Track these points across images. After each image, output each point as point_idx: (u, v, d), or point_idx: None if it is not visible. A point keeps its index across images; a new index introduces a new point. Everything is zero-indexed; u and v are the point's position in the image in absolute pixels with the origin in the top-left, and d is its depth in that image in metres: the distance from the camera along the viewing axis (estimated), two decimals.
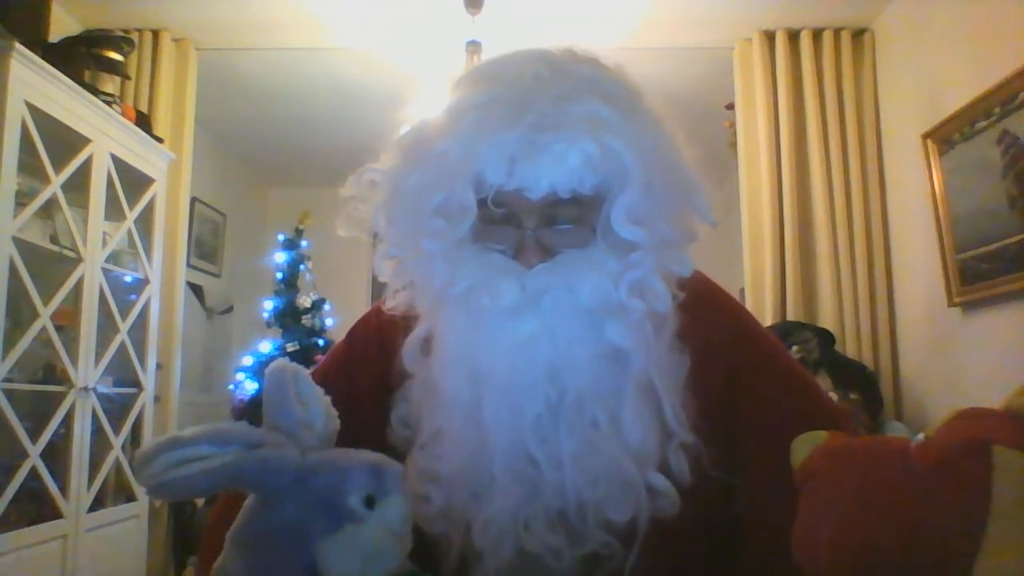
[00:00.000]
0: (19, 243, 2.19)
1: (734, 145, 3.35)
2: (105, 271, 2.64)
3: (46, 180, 2.33)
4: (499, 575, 0.80)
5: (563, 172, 0.76)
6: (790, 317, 3.05)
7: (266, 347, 4.04)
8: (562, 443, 0.79)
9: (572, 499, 0.79)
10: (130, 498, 2.78)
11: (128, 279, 2.87)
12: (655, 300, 0.81)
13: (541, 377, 0.79)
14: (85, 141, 2.49)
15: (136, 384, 2.85)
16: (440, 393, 0.84)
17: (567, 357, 0.79)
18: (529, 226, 0.80)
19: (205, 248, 4.59)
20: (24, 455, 2.21)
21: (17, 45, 2.13)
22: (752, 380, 0.91)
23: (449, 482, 0.82)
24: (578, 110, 0.77)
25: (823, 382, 2.58)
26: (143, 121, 2.91)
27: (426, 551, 0.84)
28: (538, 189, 0.77)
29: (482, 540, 0.80)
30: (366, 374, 0.96)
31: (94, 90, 2.55)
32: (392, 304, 0.90)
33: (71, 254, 2.46)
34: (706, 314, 0.90)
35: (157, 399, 3.01)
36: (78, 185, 2.50)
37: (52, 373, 2.44)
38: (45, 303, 2.30)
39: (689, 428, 0.82)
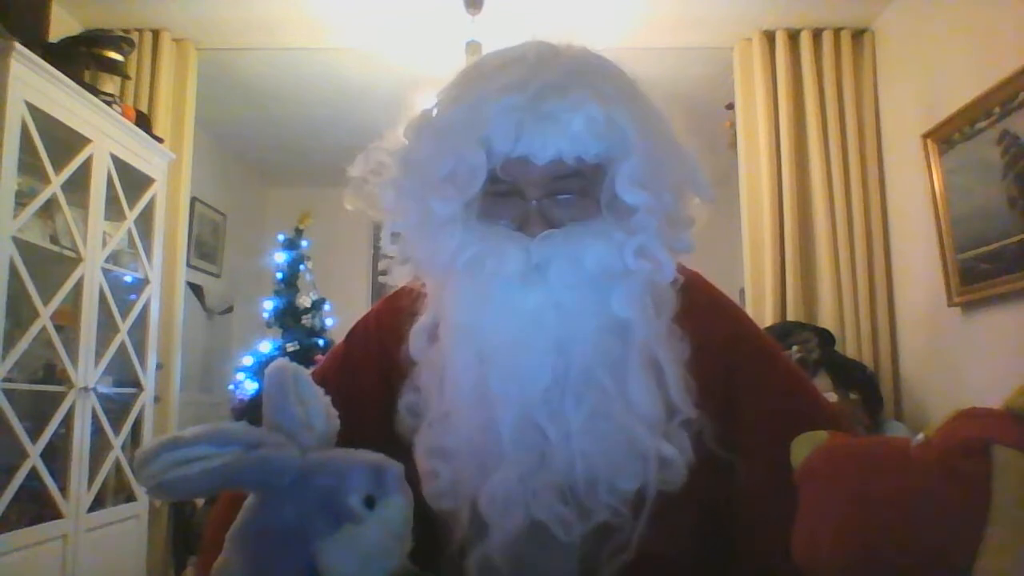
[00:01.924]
0: (19, 243, 2.19)
1: (734, 145, 3.35)
2: (105, 271, 2.64)
3: (46, 180, 2.33)
4: (506, 546, 0.80)
5: (568, 138, 0.78)
6: (790, 317, 3.05)
7: (266, 347, 4.04)
8: (570, 414, 0.80)
9: (580, 471, 0.79)
10: (130, 498, 2.78)
11: (128, 279, 2.87)
12: (658, 266, 0.82)
13: (548, 349, 0.80)
14: (85, 141, 2.49)
15: (136, 384, 2.85)
16: (448, 372, 0.84)
17: (573, 329, 0.80)
18: (533, 196, 0.82)
19: (205, 248, 4.59)
20: (24, 455, 2.21)
21: (17, 45, 2.13)
22: (751, 380, 0.91)
23: (457, 457, 0.82)
24: (582, 81, 0.80)
25: (823, 382, 2.58)
26: (143, 121, 2.90)
27: (435, 528, 0.84)
28: (544, 155, 0.78)
29: (490, 510, 0.80)
30: (366, 374, 0.96)
31: (94, 90, 2.55)
32: (397, 277, 0.91)
33: (71, 254, 2.46)
34: (705, 314, 0.91)
35: (157, 399, 3.01)
36: (78, 185, 2.49)
37: (52, 373, 2.44)
38: (45, 303, 2.30)
39: (691, 404, 0.83)
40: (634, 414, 0.80)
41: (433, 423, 0.85)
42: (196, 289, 4.43)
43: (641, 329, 0.81)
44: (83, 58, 2.61)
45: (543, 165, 0.79)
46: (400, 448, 0.85)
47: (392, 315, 0.94)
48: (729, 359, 0.91)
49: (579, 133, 0.78)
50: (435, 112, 0.86)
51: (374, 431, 0.88)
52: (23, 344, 2.21)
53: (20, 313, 2.26)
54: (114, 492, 2.75)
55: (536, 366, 0.80)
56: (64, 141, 2.42)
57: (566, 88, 0.78)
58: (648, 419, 0.81)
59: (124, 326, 2.73)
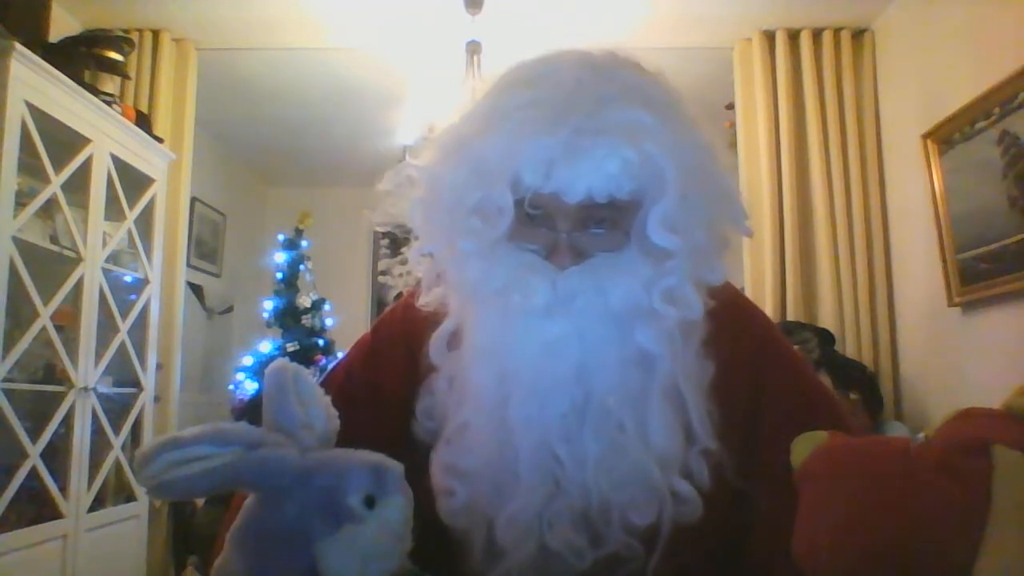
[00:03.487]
0: (19, 243, 2.19)
1: (734, 145, 3.35)
2: (105, 271, 2.63)
3: (46, 180, 2.32)
4: (520, 572, 0.81)
5: (601, 177, 0.76)
6: (790, 317, 3.05)
7: (266, 347, 4.04)
8: (587, 444, 0.80)
9: (595, 500, 0.79)
10: (130, 498, 2.78)
11: (128, 279, 2.87)
12: (686, 308, 0.81)
13: (569, 377, 0.79)
14: (85, 141, 2.49)
15: (136, 384, 2.84)
16: (467, 389, 0.84)
17: (595, 359, 0.80)
18: (563, 228, 0.81)
19: (205, 248, 4.59)
20: (24, 455, 2.21)
21: (17, 45, 2.13)
22: (776, 393, 0.91)
23: (474, 477, 0.82)
24: (619, 116, 0.77)
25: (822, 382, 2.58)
26: (143, 121, 2.90)
27: (445, 546, 0.84)
28: (575, 193, 0.77)
29: (505, 536, 0.80)
30: (391, 366, 0.96)
31: (94, 90, 2.55)
32: (425, 300, 0.91)
33: (71, 254, 2.46)
34: (732, 323, 0.90)
35: (157, 399, 3.01)
36: (78, 185, 2.49)
37: (52, 373, 2.44)
38: (45, 303, 2.30)
39: (713, 435, 0.82)
40: (651, 452, 0.80)
41: (451, 439, 0.85)
42: (196, 289, 4.43)
43: (666, 362, 0.81)
44: (83, 58, 2.62)
45: (574, 202, 0.78)
46: (417, 447, 0.86)
47: (418, 311, 0.93)
48: (756, 369, 0.91)
49: (613, 173, 0.76)
50: (466, 129, 0.84)
51: (396, 427, 0.89)
52: (23, 344, 2.21)
53: (20, 313, 2.26)
54: (114, 492, 2.75)
55: (555, 391, 0.79)
56: (64, 141, 2.42)
57: (602, 123, 0.76)
58: (665, 456, 0.80)
59: (124, 326, 2.73)
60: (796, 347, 2.60)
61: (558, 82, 0.80)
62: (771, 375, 0.92)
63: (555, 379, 0.79)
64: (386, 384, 0.95)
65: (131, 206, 2.80)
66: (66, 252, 2.45)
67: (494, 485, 0.81)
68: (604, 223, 0.81)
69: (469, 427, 0.84)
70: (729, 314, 0.89)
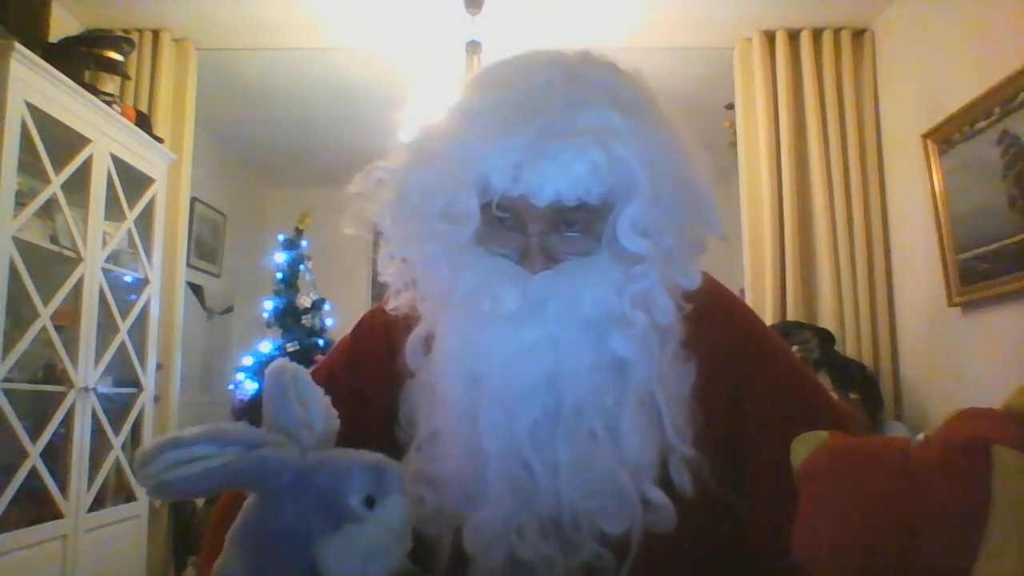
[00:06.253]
0: (19, 243, 2.19)
1: (734, 145, 3.35)
2: (105, 271, 2.64)
3: (46, 180, 2.33)
4: None
5: (569, 180, 0.75)
6: (790, 317, 3.05)
7: (266, 347, 4.04)
8: (558, 451, 0.79)
9: (566, 508, 0.78)
10: (130, 498, 2.78)
11: (128, 279, 2.87)
12: (658, 313, 0.80)
13: (539, 385, 0.78)
14: (85, 141, 2.49)
15: (136, 384, 2.84)
16: (438, 394, 0.83)
17: (567, 366, 0.78)
18: (534, 231, 0.80)
19: (205, 248, 4.59)
20: (24, 455, 2.21)
21: (17, 45, 2.13)
22: (758, 381, 0.90)
23: (442, 485, 0.81)
24: (588, 118, 0.76)
25: (823, 382, 2.58)
26: (143, 121, 2.90)
27: (419, 552, 0.84)
28: (543, 196, 0.76)
29: (474, 544, 0.79)
30: (373, 370, 0.95)
31: (94, 90, 2.55)
32: (394, 304, 0.90)
33: (71, 254, 2.46)
34: (712, 317, 0.89)
35: (157, 399, 3.01)
36: (78, 185, 2.49)
37: (52, 373, 2.44)
38: (45, 303, 2.30)
39: (691, 441, 0.81)
40: (622, 460, 0.79)
41: (421, 445, 0.84)
42: (196, 289, 4.43)
43: (642, 368, 0.80)
44: (83, 58, 2.61)
45: (543, 205, 0.77)
46: (400, 452, 0.85)
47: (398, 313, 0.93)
48: (738, 360, 0.90)
49: (580, 176, 0.75)
50: (436, 131, 0.83)
51: (382, 427, 0.88)
52: (23, 344, 2.21)
53: (20, 313, 2.26)
54: (114, 492, 2.75)
55: (525, 398, 0.78)
56: (64, 141, 2.42)
57: (570, 126, 0.75)
58: (637, 464, 0.79)
59: (124, 326, 2.73)
60: (796, 347, 2.61)
61: (527, 84, 0.79)
62: (755, 368, 0.90)
63: (525, 386, 0.78)
64: (369, 389, 0.93)
65: (131, 206, 2.80)
66: (66, 252, 2.45)
67: (463, 493, 0.80)
68: (575, 226, 0.80)
69: (439, 433, 0.83)
70: (710, 309, 0.88)
